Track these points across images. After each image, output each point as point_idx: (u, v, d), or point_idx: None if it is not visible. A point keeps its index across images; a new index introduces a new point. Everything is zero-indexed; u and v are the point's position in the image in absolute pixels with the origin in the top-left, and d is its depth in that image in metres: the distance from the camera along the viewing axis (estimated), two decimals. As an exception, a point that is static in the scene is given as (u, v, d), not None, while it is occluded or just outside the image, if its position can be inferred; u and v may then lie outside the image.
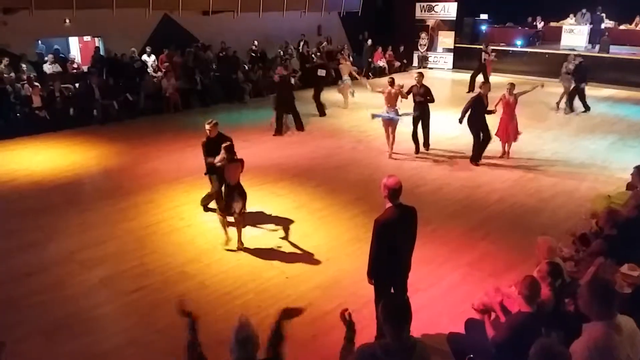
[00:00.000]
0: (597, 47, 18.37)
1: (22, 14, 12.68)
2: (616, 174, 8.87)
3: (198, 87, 14.77)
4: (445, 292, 5.49)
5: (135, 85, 13.99)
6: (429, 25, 21.75)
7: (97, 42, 15.42)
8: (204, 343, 3.05)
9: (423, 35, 21.84)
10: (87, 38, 16.43)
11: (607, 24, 19.74)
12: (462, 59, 20.63)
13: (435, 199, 8.07)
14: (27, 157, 10.24)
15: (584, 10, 19.49)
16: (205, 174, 7.26)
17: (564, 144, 11.05)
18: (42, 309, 5.24)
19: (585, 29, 19.05)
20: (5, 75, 12.18)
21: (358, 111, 13.82)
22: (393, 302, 2.89)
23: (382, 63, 20.00)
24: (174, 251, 6.43)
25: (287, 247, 6.54)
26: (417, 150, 10.27)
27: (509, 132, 9.77)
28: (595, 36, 18.82)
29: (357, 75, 14.45)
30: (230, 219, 6.52)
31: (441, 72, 20.98)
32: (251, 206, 7.46)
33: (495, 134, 9.74)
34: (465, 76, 17.28)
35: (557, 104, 14.19)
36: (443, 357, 4.15)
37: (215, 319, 4.84)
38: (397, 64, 20.78)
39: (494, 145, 9.92)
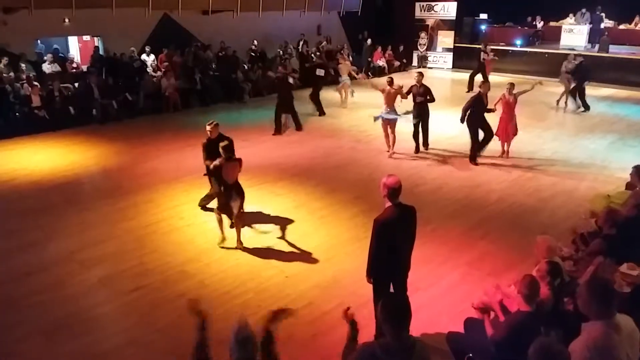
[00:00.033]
0: (597, 46, 18.38)
1: (22, 14, 12.68)
2: (615, 173, 8.88)
3: (197, 87, 14.77)
4: (444, 292, 5.50)
5: (135, 84, 13.99)
6: (428, 25, 21.76)
7: (97, 41, 15.41)
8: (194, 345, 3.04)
9: (423, 34, 21.85)
10: (86, 37, 16.44)
11: (607, 23, 19.75)
12: (461, 58, 20.64)
13: (434, 198, 8.08)
14: (26, 157, 10.24)
15: (583, 10, 19.50)
16: (205, 174, 7.27)
17: (563, 143, 11.06)
18: (42, 308, 5.24)
19: (584, 29, 19.05)
20: (4, 74, 12.18)
21: (357, 111, 13.83)
22: (393, 302, 2.89)
23: (381, 63, 20.01)
24: (174, 250, 6.44)
25: (286, 247, 6.55)
26: (417, 150, 10.28)
27: (509, 131, 9.78)
28: (594, 36, 18.83)
29: (355, 75, 14.46)
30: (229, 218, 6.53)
31: (441, 71, 20.98)
32: (250, 206, 7.48)
33: (495, 134, 9.75)
34: (465, 76, 17.29)
35: (557, 102, 14.21)
36: (442, 357, 4.16)
37: (215, 319, 4.80)
38: (397, 63, 20.78)
39: (494, 145, 9.93)
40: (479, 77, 15.34)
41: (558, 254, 4.65)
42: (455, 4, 20.86)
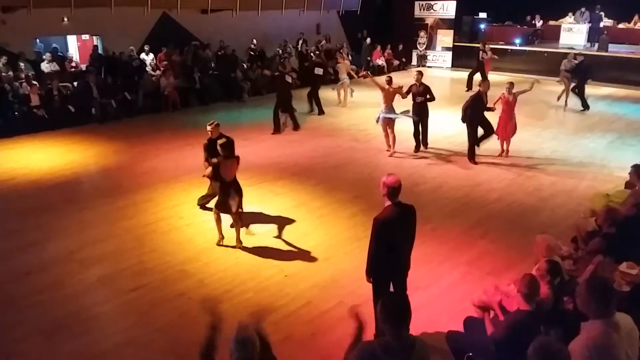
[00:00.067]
0: (596, 45, 18.38)
1: (21, 13, 12.66)
2: (615, 172, 8.89)
3: (197, 86, 14.76)
4: (444, 291, 5.50)
5: (134, 83, 13.97)
6: (427, 24, 21.75)
7: (96, 40, 15.39)
8: (203, 343, 3.04)
9: (422, 33, 21.84)
10: (85, 36, 16.43)
11: (606, 22, 19.77)
12: (460, 57, 20.64)
13: (434, 197, 8.08)
14: (25, 156, 10.22)
15: (582, 9, 19.52)
16: (204, 175, 7.26)
17: (562, 142, 11.06)
18: (42, 308, 5.24)
19: (584, 28, 19.07)
20: (3, 73, 12.17)
21: (357, 110, 13.83)
22: (392, 301, 2.89)
23: (381, 62, 20.00)
24: (173, 250, 6.43)
25: (286, 246, 6.54)
26: (417, 149, 10.28)
27: (508, 130, 9.78)
28: (594, 35, 18.85)
29: (354, 75, 14.47)
30: (228, 217, 6.52)
31: (440, 70, 20.99)
32: (250, 205, 7.49)
33: (494, 133, 9.75)
34: (464, 75, 17.29)
35: (558, 98, 14.23)
36: (442, 356, 4.16)
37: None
38: (396, 62, 20.78)
39: (493, 144, 9.94)
40: (478, 76, 15.36)
41: (558, 253, 4.66)
42: (454, 2, 20.86)
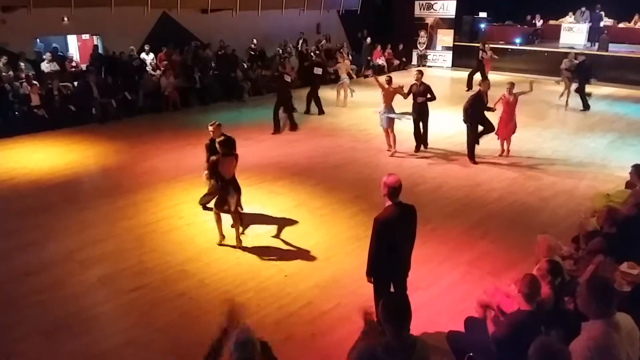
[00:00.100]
0: (596, 45, 18.37)
1: (21, 12, 12.65)
2: (615, 172, 8.87)
3: (197, 86, 14.75)
4: (444, 291, 5.49)
5: (134, 83, 13.97)
6: (428, 24, 21.73)
7: (96, 40, 15.37)
8: (203, 342, 3.04)
9: (422, 33, 21.82)
10: (85, 36, 16.42)
11: (606, 22, 19.74)
12: (461, 57, 20.62)
13: (434, 197, 8.08)
14: (25, 156, 10.22)
15: (583, 9, 19.50)
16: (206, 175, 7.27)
17: (563, 142, 11.05)
18: (42, 308, 5.24)
19: (584, 27, 19.05)
20: (3, 73, 12.16)
21: (357, 110, 13.83)
22: (393, 301, 2.89)
23: (381, 61, 19.98)
24: (174, 250, 6.43)
25: (286, 246, 6.54)
26: (417, 149, 10.27)
27: (508, 130, 9.77)
28: (594, 34, 18.83)
29: (353, 75, 14.46)
30: (228, 217, 6.52)
31: (440, 70, 20.97)
32: (250, 205, 7.49)
33: (495, 133, 9.74)
34: (464, 74, 17.28)
35: (560, 96, 14.22)
36: (443, 355, 4.16)
37: (215, 318, 4.82)
38: (396, 62, 20.76)
39: (493, 144, 9.93)
40: (478, 76, 15.35)
41: (558, 253, 4.65)
42: (454, 2, 20.84)
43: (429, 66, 21.27)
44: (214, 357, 2.96)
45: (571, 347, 2.83)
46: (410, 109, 9.98)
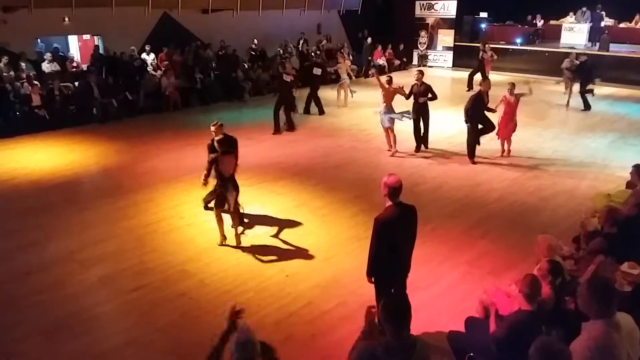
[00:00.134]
0: (597, 45, 18.36)
1: (22, 13, 12.67)
2: (616, 172, 8.86)
3: (198, 86, 14.76)
4: (444, 291, 5.49)
5: (135, 83, 13.99)
6: (428, 24, 21.73)
7: (97, 40, 15.41)
8: (203, 342, 3.04)
9: (423, 33, 21.82)
10: (86, 36, 16.44)
11: (607, 22, 19.73)
12: (461, 57, 20.61)
13: (434, 197, 8.07)
14: (26, 156, 10.23)
15: (584, 9, 19.48)
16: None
17: (564, 142, 11.05)
18: (42, 308, 5.24)
19: (585, 27, 19.03)
20: (4, 73, 12.17)
21: (357, 110, 13.83)
22: (393, 302, 2.89)
23: (381, 61, 19.97)
24: (174, 250, 6.43)
25: (286, 246, 6.54)
26: (418, 149, 10.27)
27: (509, 130, 9.76)
28: (595, 34, 18.82)
29: (352, 75, 14.46)
30: (229, 218, 6.53)
31: (441, 70, 20.96)
32: (251, 204, 7.49)
33: (495, 133, 9.73)
34: (465, 74, 17.27)
35: (566, 94, 14.25)
36: (443, 355, 4.16)
37: (215, 318, 4.83)
38: (397, 62, 20.75)
39: (494, 144, 9.92)
40: (478, 76, 15.34)
41: (559, 253, 4.65)
42: (455, 2, 20.84)
43: (429, 66, 21.27)
44: (217, 357, 2.96)
45: (572, 347, 2.83)
46: (410, 109, 9.98)
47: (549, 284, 3.91)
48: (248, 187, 7.84)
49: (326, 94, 14.54)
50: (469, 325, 4.28)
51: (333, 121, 12.96)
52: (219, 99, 14.89)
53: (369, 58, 19.67)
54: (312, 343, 4.69)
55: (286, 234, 6.84)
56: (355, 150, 10.54)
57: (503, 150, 9.97)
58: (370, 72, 13.93)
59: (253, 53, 17.29)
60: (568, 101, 14.05)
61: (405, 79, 13.44)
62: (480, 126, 9.52)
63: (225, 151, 6.35)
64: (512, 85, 9.73)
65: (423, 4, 21.70)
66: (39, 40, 14.18)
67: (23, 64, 12.74)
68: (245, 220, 7.10)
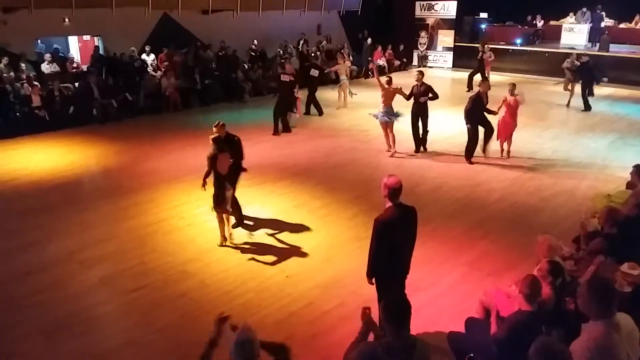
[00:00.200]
0: (597, 45, 18.37)
1: (22, 13, 12.67)
2: (616, 172, 8.86)
3: (198, 87, 14.77)
4: (445, 291, 5.49)
5: (135, 84, 13.99)
6: (428, 24, 21.74)
7: (97, 41, 15.41)
8: (203, 343, 3.04)
9: (423, 34, 21.84)
10: (86, 37, 16.44)
11: (607, 22, 19.75)
12: (461, 57, 20.62)
13: (435, 198, 8.07)
14: (26, 157, 10.23)
15: (584, 9, 19.50)
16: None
17: (564, 142, 11.05)
18: (42, 308, 5.24)
19: (585, 28, 19.05)
20: (4, 74, 12.18)
21: (357, 110, 13.82)
22: (393, 302, 2.89)
23: (381, 62, 19.94)
24: (175, 250, 6.43)
25: (287, 246, 6.54)
26: (417, 149, 10.27)
27: (509, 131, 9.76)
28: (595, 35, 18.84)
29: (348, 73, 14.45)
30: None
31: (441, 70, 20.97)
32: (251, 205, 7.49)
33: (496, 134, 9.72)
34: (465, 75, 17.28)
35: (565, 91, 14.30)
36: (443, 356, 4.16)
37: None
38: (397, 62, 20.76)
39: (494, 145, 9.92)
40: (478, 77, 15.35)
41: (559, 253, 4.65)
42: (455, 3, 20.85)
43: (429, 67, 21.29)
44: (208, 358, 2.96)
45: (572, 348, 2.83)
46: (410, 110, 9.97)
47: (549, 284, 3.91)
48: (248, 188, 7.84)
49: (327, 94, 14.54)
50: (469, 325, 4.28)
51: (333, 122, 12.97)
52: (219, 100, 14.89)
53: (369, 59, 19.66)
54: (312, 343, 4.69)
55: (286, 234, 6.84)
56: (355, 150, 10.54)
57: (502, 151, 9.97)
58: (370, 68, 13.91)
59: (253, 54, 17.29)
60: (569, 101, 14.05)
61: (405, 79, 13.45)
62: (480, 128, 9.52)
63: (220, 149, 6.35)
64: (513, 85, 9.71)
65: (423, 5, 21.71)
66: (39, 41, 14.19)
67: (23, 65, 12.73)
68: (250, 222, 7.11)
